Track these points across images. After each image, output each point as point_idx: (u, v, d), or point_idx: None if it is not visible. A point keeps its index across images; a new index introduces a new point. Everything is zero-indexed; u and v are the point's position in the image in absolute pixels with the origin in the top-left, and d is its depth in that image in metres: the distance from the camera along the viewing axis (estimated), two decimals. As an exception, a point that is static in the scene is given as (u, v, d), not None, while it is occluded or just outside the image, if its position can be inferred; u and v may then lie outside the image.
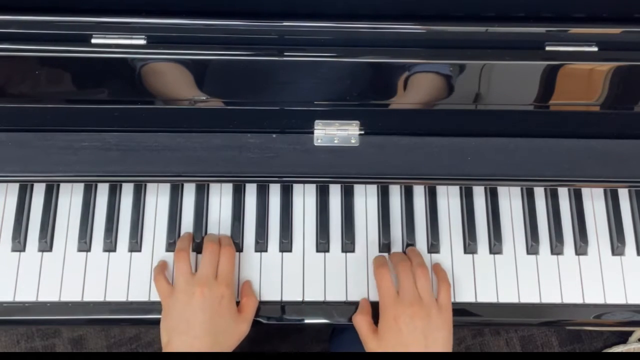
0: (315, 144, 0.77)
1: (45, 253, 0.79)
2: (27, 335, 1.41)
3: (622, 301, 0.79)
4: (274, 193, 0.83)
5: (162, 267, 0.78)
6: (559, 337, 1.45)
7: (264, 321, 0.78)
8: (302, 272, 0.79)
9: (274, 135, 0.77)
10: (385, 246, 0.81)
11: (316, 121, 0.76)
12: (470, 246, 0.81)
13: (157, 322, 0.75)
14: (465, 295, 0.79)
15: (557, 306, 0.79)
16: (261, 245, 0.80)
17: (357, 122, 0.77)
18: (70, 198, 0.82)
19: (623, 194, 0.84)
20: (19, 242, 0.79)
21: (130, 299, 0.78)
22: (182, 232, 0.81)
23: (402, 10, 0.70)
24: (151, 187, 0.83)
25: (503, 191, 0.84)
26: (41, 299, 0.77)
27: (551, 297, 0.79)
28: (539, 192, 0.84)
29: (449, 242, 0.81)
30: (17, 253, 0.79)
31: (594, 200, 0.84)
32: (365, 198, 0.83)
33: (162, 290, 0.75)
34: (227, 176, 0.77)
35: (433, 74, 0.72)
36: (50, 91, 0.73)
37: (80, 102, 0.75)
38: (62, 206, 0.82)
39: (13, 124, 0.76)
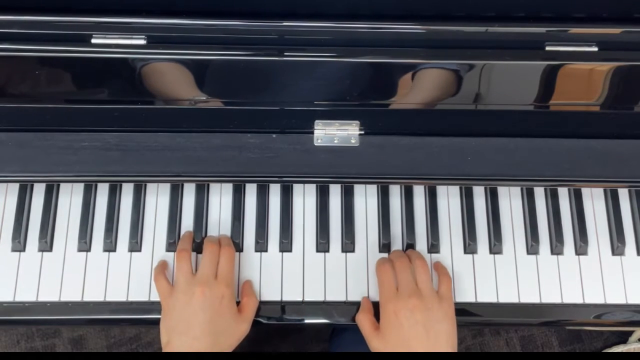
0: (315, 144, 0.77)
1: (45, 253, 0.79)
2: (27, 335, 1.41)
3: (622, 301, 0.79)
4: (274, 193, 0.83)
5: (162, 266, 0.78)
6: (559, 337, 1.45)
7: (264, 321, 0.78)
8: (302, 272, 0.79)
9: (274, 135, 0.77)
10: (385, 246, 0.81)
11: (316, 121, 0.76)
12: (470, 246, 0.81)
13: (157, 322, 0.75)
14: (465, 295, 0.79)
15: (557, 306, 0.79)
16: (261, 245, 0.80)
17: (357, 122, 0.77)
18: (70, 198, 0.82)
19: (623, 194, 0.84)
20: (19, 242, 0.79)
21: (130, 299, 0.78)
22: (182, 232, 0.81)
23: (402, 10, 0.70)
24: (151, 187, 0.83)
25: (503, 191, 0.84)
26: (41, 299, 0.77)
27: (551, 297, 0.79)
28: (539, 192, 0.84)
29: (449, 242, 0.81)
30: (17, 253, 0.79)
31: (594, 200, 0.84)
32: (365, 198, 0.83)
33: (162, 290, 0.75)
34: (227, 176, 0.77)
35: (433, 74, 0.72)
36: (50, 91, 0.73)
37: (80, 102, 0.75)
38: (62, 206, 0.82)
39: (13, 124, 0.76)
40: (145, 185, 0.82)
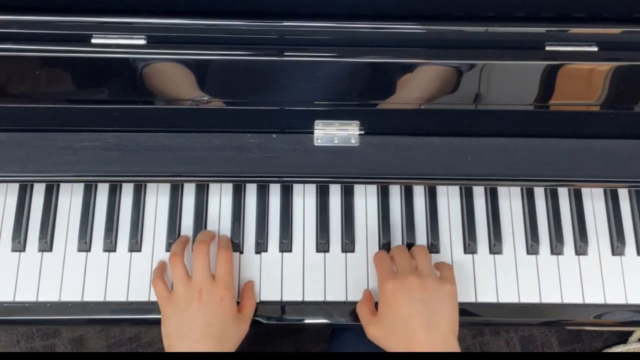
0: (315, 144, 0.77)
1: (45, 253, 0.79)
2: (27, 335, 1.41)
3: (622, 301, 0.79)
4: (274, 193, 0.83)
5: (160, 269, 0.77)
6: (559, 337, 1.45)
7: (264, 321, 0.78)
8: (302, 272, 0.79)
9: (274, 135, 0.77)
10: (385, 246, 0.81)
11: (316, 121, 0.76)
12: (470, 246, 0.81)
13: (157, 322, 0.75)
14: (465, 295, 0.79)
15: (557, 306, 0.79)
16: (261, 245, 0.80)
17: (357, 122, 0.77)
18: (70, 198, 0.82)
19: (623, 194, 0.84)
20: (19, 242, 0.79)
21: (130, 299, 0.78)
22: (182, 232, 0.81)
23: (402, 10, 0.70)
24: (151, 187, 0.83)
25: (503, 191, 0.84)
26: (41, 299, 0.77)
27: (551, 297, 0.79)
28: (539, 192, 0.84)
29: (449, 242, 0.81)
30: (17, 253, 0.79)
31: (594, 200, 0.84)
32: (365, 198, 0.83)
33: (160, 295, 0.74)
34: (227, 176, 0.77)
35: (433, 74, 0.72)
36: (50, 91, 0.73)
37: (80, 102, 0.75)
38: (62, 206, 0.82)
39: (13, 124, 0.76)
40: (145, 185, 0.82)
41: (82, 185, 0.82)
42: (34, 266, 0.79)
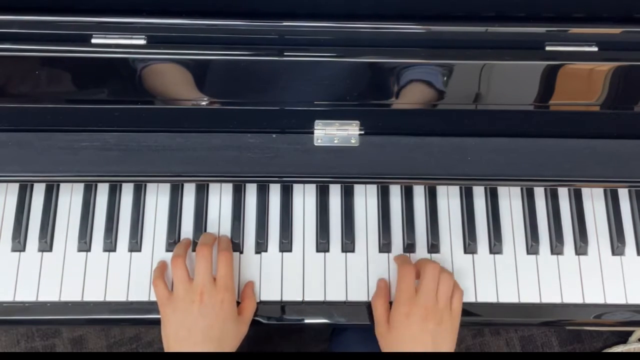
0: (315, 144, 0.77)
1: (45, 253, 0.79)
2: (27, 335, 1.41)
3: (622, 301, 0.79)
4: (274, 193, 0.83)
5: (161, 270, 0.77)
6: (559, 337, 1.45)
7: (264, 321, 0.78)
8: (302, 272, 0.79)
9: (274, 135, 0.77)
10: (385, 246, 0.81)
11: (316, 121, 0.76)
12: (470, 246, 0.81)
13: (157, 322, 0.75)
14: (465, 295, 0.79)
15: (557, 306, 0.79)
16: (261, 245, 0.80)
17: (357, 122, 0.77)
18: (70, 198, 0.82)
19: (623, 194, 0.84)
20: (19, 242, 0.79)
21: (130, 299, 0.78)
22: (182, 232, 0.81)
23: (402, 10, 0.70)
24: (151, 187, 0.83)
25: (503, 191, 0.84)
26: (41, 299, 0.77)
27: (551, 297, 0.79)
28: (539, 192, 0.84)
29: (449, 242, 0.82)
30: (17, 253, 0.79)
31: (594, 200, 0.84)
32: (365, 198, 0.83)
33: (160, 296, 0.74)
34: (227, 176, 0.77)
35: (433, 73, 0.72)
36: (50, 91, 0.73)
37: (80, 102, 0.75)
38: (62, 206, 0.82)
39: (13, 124, 0.76)
40: (145, 185, 0.82)
41: (82, 185, 0.82)
42: (34, 266, 0.79)
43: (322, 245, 0.80)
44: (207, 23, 0.69)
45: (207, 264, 0.74)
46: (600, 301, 0.79)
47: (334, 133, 0.77)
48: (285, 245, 0.80)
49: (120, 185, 0.82)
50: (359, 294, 0.78)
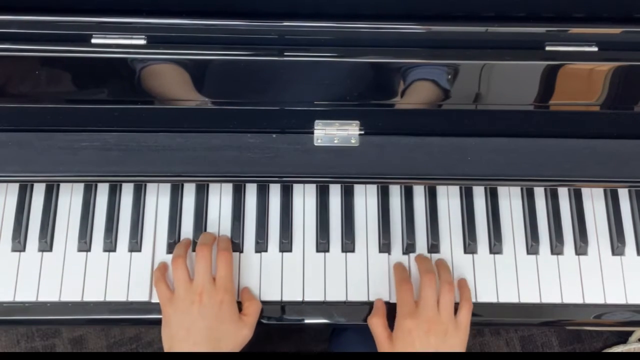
0: (315, 144, 0.77)
1: (45, 253, 0.79)
2: (27, 335, 1.41)
3: (622, 301, 0.79)
4: (274, 193, 0.83)
5: (162, 270, 0.77)
6: (559, 337, 1.45)
7: (264, 321, 0.78)
8: (302, 272, 0.79)
9: (274, 135, 0.77)
10: (385, 246, 0.81)
11: (316, 121, 0.76)
12: (470, 246, 0.81)
13: (157, 322, 0.75)
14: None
15: (557, 306, 0.79)
16: (261, 245, 0.80)
17: (357, 122, 0.77)
18: (70, 198, 0.82)
19: (623, 194, 0.84)
20: (19, 242, 0.79)
21: (130, 299, 0.78)
22: (183, 232, 0.81)
23: (402, 10, 0.70)
24: (151, 187, 0.83)
25: (503, 191, 0.84)
26: (41, 299, 0.77)
27: (551, 297, 0.79)
28: (539, 192, 0.84)
29: (449, 242, 0.81)
30: (17, 253, 0.79)
31: (594, 200, 0.84)
32: (365, 198, 0.83)
33: (162, 296, 0.74)
34: (227, 176, 0.77)
35: (433, 74, 0.72)
36: (50, 91, 0.73)
37: (80, 102, 0.75)
38: (62, 206, 0.82)
39: (13, 124, 0.76)
40: (145, 185, 0.82)
41: (82, 185, 0.82)
42: (34, 266, 0.79)
43: (322, 245, 0.80)
44: (207, 23, 0.69)
45: (206, 265, 0.74)
46: (600, 301, 0.79)
47: (334, 133, 0.77)
48: (285, 245, 0.80)
49: (120, 185, 0.82)
50: (359, 294, 0.78)
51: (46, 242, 0.79)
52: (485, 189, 0.84)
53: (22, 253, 0.79)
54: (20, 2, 0.68)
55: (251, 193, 0.83)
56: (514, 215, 0.83)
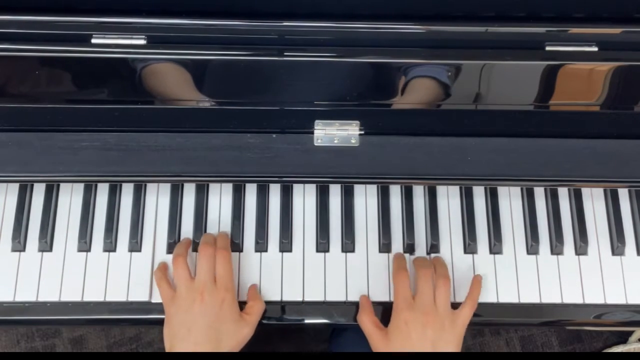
0: (315, 144, 0.77)
1: (45, 253, 0.79)
2: (27, 335, 1.41)
3: (622, 301, 0.79)
4: (274, 193, 0.83)
5: (163, 270, 0.77)
6: (559, 337, 1.45)
7: (264, 321, 0.78)
8: (302, 272, 0.79)
9: (274, 135, 0.77)
10: (385, 246, 0.81)
11: (316, 121, 0.76)
12: (470, 246, 0.81)
13: (157, 322, 0.76)
14: (465, 295, 0.79)
15: (557, 306, 0.79)
16: (261, 245, 0.80)
17: (357, 122, 0.77)
18: (70, 198, 0.82)
19: (623, 194, 0.84)
20: (19, 242, 0.79)
21: (130, 299, 0.78)
22: (183, 232, 0.81)
23: (402, 10, 0.70)
24: (151, 187, 0.83)
25: (503, 191, 0.84)
26: (41, 299, 0.77)
27: (551, 297, 0.79)
28: (539, 192, 0.84)
29: (449, 242, 0.81)
30: (17, 253, 0.79)
31: (594, 200, 0.84)
32: (365, 198, 0.83)
33: (164, 295, 0.74)
34: (227, 176, 0.77)
35: (433, 74, 0.72)
36: (50, 91, 0.73)
37: (80, 102, 0.75)
38: (62, 206, 0.82)
39: (13, 124, 0.76)
40: (145, 185, 0.82)
41: (82, 185, 0.82)
42: (34, 266, 0.79)
43: (322, 245, 0.80)
44: (207, 23, 0.69)
45: (209, 263, 0.74)
46: (600, 301, 0.79)
47: (334, 133, 0.77)
48: (285, 245, 0.80)
49: (120, 185, 0.82)
50: (359, 294, 0.78)
51: (46, 242, 0.79)
52: (485, 189, 0.84)
53: (22, 253, 0.79)
54: (20, 2, 0.68)
55: (251, 193, 0.83)
56: (514, 215, 0.83)
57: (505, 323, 0.83)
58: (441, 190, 0.84)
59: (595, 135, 0.78)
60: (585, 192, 0.84)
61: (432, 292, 0.73)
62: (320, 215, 0.81)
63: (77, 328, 1.40)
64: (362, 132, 0.77)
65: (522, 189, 0.84)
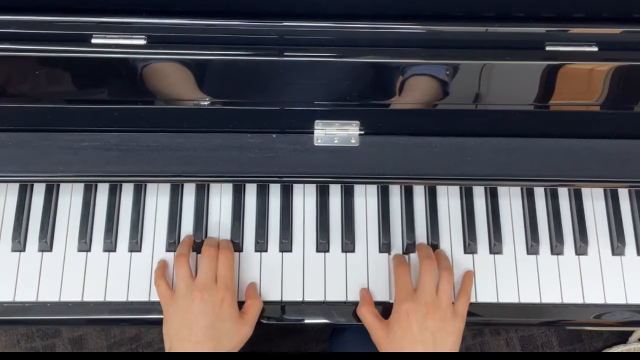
0: (315, 144, 0.77)
1: (45, 253, 0.79)
2: (27, 335, 1.41)
3: (622, 301, 0.79)
4: (274, 193, 0.83)
5: (162, 269, 0.78)
6: (559, 337, 1.45)
7: (264, 321, 0.78)
8: (302, 272, 0.79)
9: (274, 135, 0.77)
10: (385, 246, 0.81)
11: (316, 121, 0.76)
12: (470, 246, 0.81)
13: (157, 322, 0.75)
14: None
15: (557, 306, 0.79)
16: (261, 245, 0.80)
17: (357, 122, 0.77)
18: (70, 198, 0.82)
19: (623, 194, 0.84)
20: (19, 242, 0.79)
21: (130, 299, 0.78)
22: (182, 232, 0.81)
23: (402, 10, 0.70)
24: (151, 187, 0.83)
25: (503, 191, 0.84)
26: (41, 299, 0.77)
27: (551, 297, 0.79)
28: (539, 192, 0.84)
29: (449, 242, 0.81)
30: (17, 253, 0.79)
31: (594, 200, 0.84)
32: (365, 198, 0.83)
33: (162, 295, 0.74)
34: (227, 176, 0.77)
35: (433, 73, 0.72)
36: (50, 91, 0.73)
37: (80, 102, 0.75)
38: (62, 206, 0.82)
39: (13, 124, 0.76)
40: (145, 185, 0.82)
41: (82, 185, 0.82)
42: (34, 266, 0.79)
43: (322, 245, 0.80)
44: (207, 23, 0.69)
45: (211, 264, 0.74)
46: (600, 301, 0.79)
47: (334, 133, 0.77)
48: (285, 245, 0.80)
49: (120, 185, 0.82)
50: (359, 294, 0.78)
51: (46, 242, 0.79)
52: (485, 189, 0.84)
53: (22, 253, 0.79)
54: (20, 2, 0.68)
55: (251, 193, 0.83)
56: (514, 215, 0.83)
57: (505, 323, 0.83)
58: (441, 190, 0.84)
59: (595, 135, 0.78)
60: (585, 192, 0.84)
61: (434, 283, 0.73)
62: (320, 215, 0.81)
63: (77, 328, 1.40)
64: (362, 132, 0.77)
65: (522, 189, 0.84)
